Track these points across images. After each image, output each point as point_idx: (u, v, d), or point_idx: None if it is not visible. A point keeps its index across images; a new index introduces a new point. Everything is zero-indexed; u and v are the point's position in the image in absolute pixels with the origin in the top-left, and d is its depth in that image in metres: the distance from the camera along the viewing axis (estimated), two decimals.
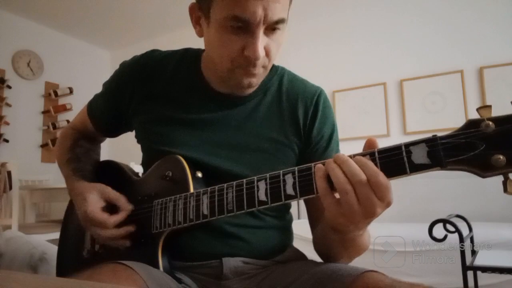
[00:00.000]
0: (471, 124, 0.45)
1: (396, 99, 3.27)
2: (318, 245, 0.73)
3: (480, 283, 1.71)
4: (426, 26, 3.19)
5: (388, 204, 0.49)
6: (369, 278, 0.56)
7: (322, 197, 0.51)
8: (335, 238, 0.60)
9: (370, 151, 0.50)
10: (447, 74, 3.06)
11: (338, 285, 0.57)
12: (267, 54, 0.65)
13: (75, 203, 0.77)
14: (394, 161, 0.48)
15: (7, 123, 3.88)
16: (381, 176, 0.47)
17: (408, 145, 0.47)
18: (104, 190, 0.75)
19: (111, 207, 0.74)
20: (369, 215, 0.49)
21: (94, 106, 0.89)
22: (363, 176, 0.48)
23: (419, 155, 0.46)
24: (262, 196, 0.57)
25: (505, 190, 0.43)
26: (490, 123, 0.43)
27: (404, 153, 0.47)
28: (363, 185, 0.48)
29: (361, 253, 0.66)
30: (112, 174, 0.85)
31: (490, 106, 0.44)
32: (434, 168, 0.46)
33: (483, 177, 0.44)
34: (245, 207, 0.58)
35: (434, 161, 0.45)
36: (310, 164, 0.54)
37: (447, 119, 2.97)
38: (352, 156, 0.51)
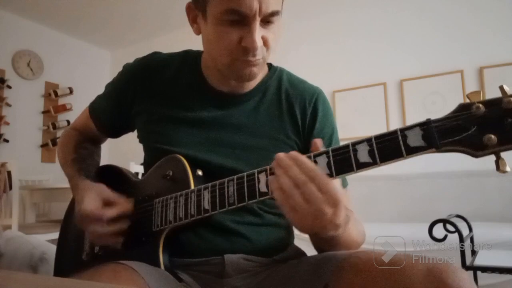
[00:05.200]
0: (462, 107, 0.47)
1: (396, 99, 3.27)
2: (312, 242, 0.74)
3: (480, 283, 1.71)
4: (426, 26, 3.19)
5: (333, 201, 0.50)
6: (362, 253, 0.58)
7: (281, 206, 0.52)
8: (314, 238, 0.62)
9: (368, 138, 0.51)
10: (447, 74, 3.06)
11: (333, 264, 0.59)
12: (265, 44, 0.67)
13: (76, 201, 0.77)
14: (390, 145, 0.49)
15: (7, 123, 3.88)
16: (318, 170, 0.50)
17: (403, 129, 0.49)
18: (102, 190, 0.75)
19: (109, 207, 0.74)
20: (318, 214, 0.50)
21: (96, 107, 0.90)
22: (303, 177, 0.50)
23: (414, 139, 0.48)
24: (263, 188, 0.57)
25: (498, 169, 0.45)
26: (480, 105, 0.45)
27: (400, 137, 0.49)
28: (305, 184, 0.50)
29: (353, 249, 0.67)
30: (113, 177, 0.85)
31: (479, 91, 0.47)
32: (429, 150, 0.47)
33: (476, 156, 0.46)
34: (246, 199, 0.59)
35: (428, 143, 0.47)
36: (309, 154, 0.55)
37: None
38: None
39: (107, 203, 0.74)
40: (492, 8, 2.97)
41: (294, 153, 0.53)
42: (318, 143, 0.55)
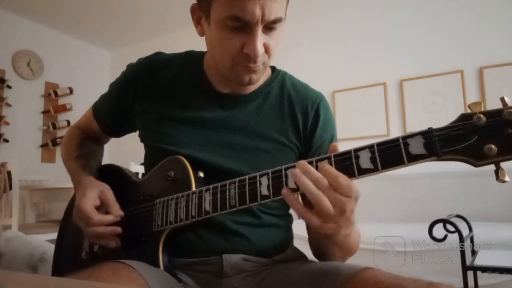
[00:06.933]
0: (463, 117, 0.48)
1: (396, 99, 3.27)
2: (313, 246, 0.75)
3: (480, 283, 1.71)
4: (426, 26, 3.19)
5: (356, 198, 0.52)
6: (369, 273, 0.57)
7: (303, 216, 0.54)
8: (326, 241, 0.62)
9: (370, 144, 0.52)
10: (447, 74, 3.06)
11: (337, 279, 0.58)
12: (267, 51, 0.67)
13: (77, 195, 0.78)
14: (392, 153, 0.50)
15: (7, 123, 3.88)
16: (341, 177, 0.51)
17: (405, 137, 0.50)
18: (104, 191, 0.75)
19: (105, 210, 0.75)
20: (342, 212, 0.52)
21: (99, 107, 0.91)
22: (326, 182, 0.51)
23: (416, 147, 0.49)
24: (264, 191, 0.58)
25: (497, 178, 0.46)
26: (482, 116, 0.46)
27: (401, 145, 0.50)
28: (330, 189, 0.51)
29: (353, 252, 0.68)
30: (114, 176, 0.85)
31: (480, 102, 0.48)
32: (430, 158, 0.48)
33: (476, 166, 0.47)
34: (248, 202, 0.59)
35: (430, 151, 0.48)
36: (311, 159, 0.56)
37: (447, 119, 2.92)
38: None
39: (104, 206, 0.75)
40: (492, 8, 2.97)
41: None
42: (336, 147, 0.56)
